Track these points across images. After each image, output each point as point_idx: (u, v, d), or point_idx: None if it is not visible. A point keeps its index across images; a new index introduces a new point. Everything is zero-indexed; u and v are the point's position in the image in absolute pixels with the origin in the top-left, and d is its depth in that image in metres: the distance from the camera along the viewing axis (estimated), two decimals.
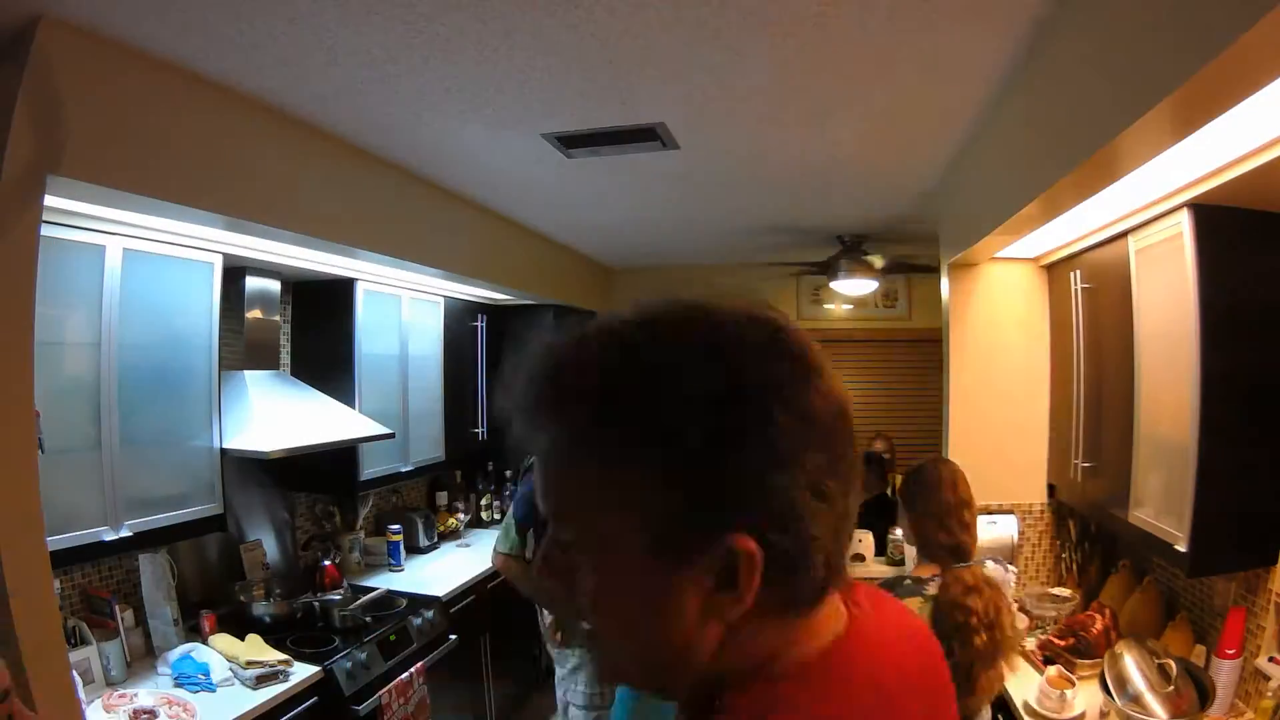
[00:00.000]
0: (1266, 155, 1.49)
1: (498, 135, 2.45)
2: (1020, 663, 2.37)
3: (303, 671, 2.41)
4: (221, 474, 2.52)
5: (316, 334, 3.34)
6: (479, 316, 4.46)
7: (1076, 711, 2.02)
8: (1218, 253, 1.77)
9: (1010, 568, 2.47)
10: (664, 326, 0.60)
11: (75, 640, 2.16)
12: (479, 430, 4.42)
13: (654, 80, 2.01)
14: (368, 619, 2.90)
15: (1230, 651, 1.90)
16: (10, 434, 1.52)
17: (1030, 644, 2.44)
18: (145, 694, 2.15)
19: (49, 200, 1.66)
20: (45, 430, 1.66)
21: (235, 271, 2.77)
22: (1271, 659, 1.78)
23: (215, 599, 2.75)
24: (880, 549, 3.44)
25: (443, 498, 4.30)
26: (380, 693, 2.61)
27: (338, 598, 3.00)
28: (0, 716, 1.23)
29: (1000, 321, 3.07)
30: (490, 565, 3.71)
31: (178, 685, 2.23)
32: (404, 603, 3.14)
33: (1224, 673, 1.89)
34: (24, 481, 1.53)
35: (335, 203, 2.51)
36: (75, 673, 1.89)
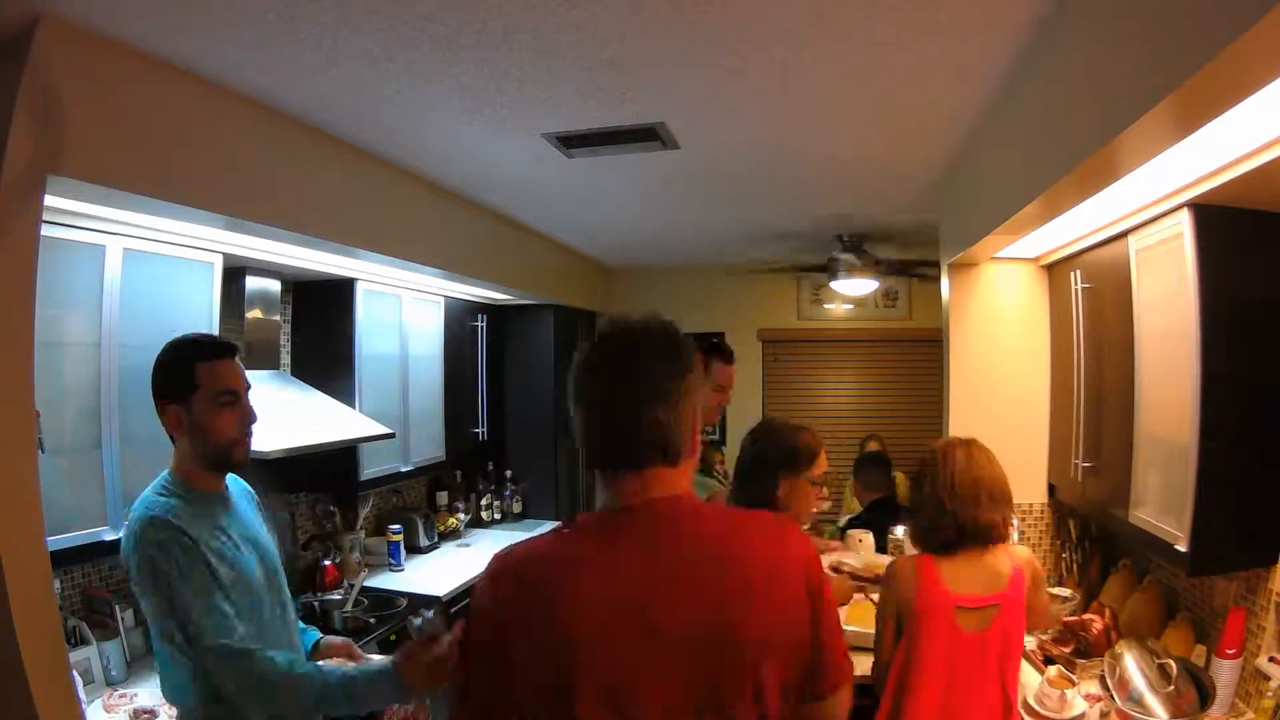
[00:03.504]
0: (1267, 155, 1.49)
1: (498, 135, 2.45)
2: (1020, 662, 2.37)
3: None
4: None
5: (317, 334, 3.34)
6: (479, 316, 4.46)
7: (1076, 711, 2.01)
8: (1218, 253, 1.77)
9: None
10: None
11: (75, 640, 2.16)
12: (479, 430, 4.42)
13: (654, 80, 2.01)
14: (369, 619, 2.90)
15: (1230, 651, 1.90)
16: (10, 434, 1.51)
17: (1030, 644, 2.44)
18: (146, 694, 2.15)
19: (49, 200, 1.66)
20: (45, 430, 1.66)
21: (235, 271, 2.77)
22: (1272, 659, 1.78)
23: None
24: (881, 549, 3.44)
25: (443, 497, 4.30)
26: None
27: (338, 597, 3.01)
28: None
29: (1001, 321, 3.07)
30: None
31: None
32: (404, 602, 3.14)
33: (1224, 673, 1.89)
34: (24, 481, 1.53)
35: (335, 203, 2.51)
36: (75, 673, 1.89)
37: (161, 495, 1.55)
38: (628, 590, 0.97)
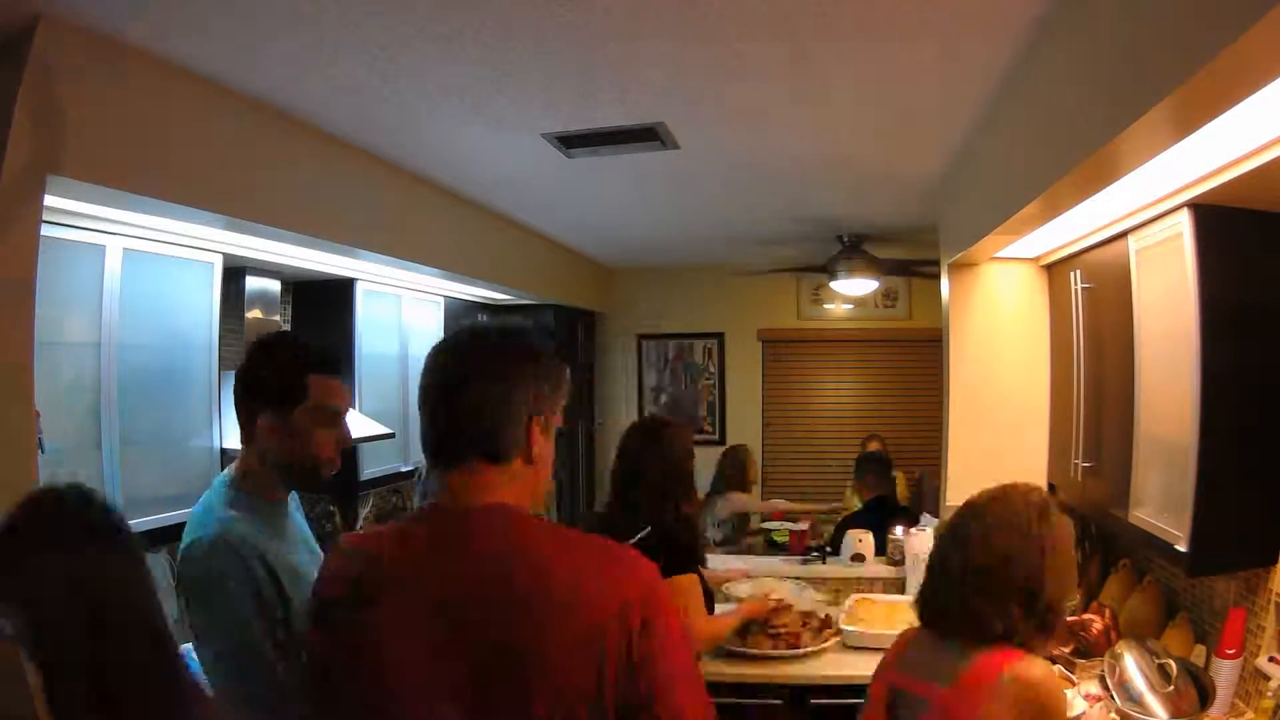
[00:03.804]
0: (1267, 155, 1.49)
1: (498, 135, 2.45)
2: None
3: None
4: None
5: (316, 334, 3.33)
6: (479, 316, 4.46)
7: (1076, 711, 2.01)
8: (1218, 253, 1.76)
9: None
10: None
11: None
12: None
13: (654, 80, 2.01)
14: None
15: (1230, 651, 1.89)
16: (10, 434, 1.51)
17: None
18: None
19: (49, 200, 1.65)
20: (45, 430, 1.66)
21: (235, 271, 2.77)
22: (1272, 659, 1.78)
23: None
24: (880, 549, 3.44)
25: None
26: None
27: None
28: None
29: (1000, 321, 3.06)
30: None
31: None
32: None
33: (1224, 673, 1.89)
34: (24, 481, 1.53)
35: (335, 203, 2.51)
36: None
37: (233, 510, 1.40)
38: (417, 603, 0.98)
